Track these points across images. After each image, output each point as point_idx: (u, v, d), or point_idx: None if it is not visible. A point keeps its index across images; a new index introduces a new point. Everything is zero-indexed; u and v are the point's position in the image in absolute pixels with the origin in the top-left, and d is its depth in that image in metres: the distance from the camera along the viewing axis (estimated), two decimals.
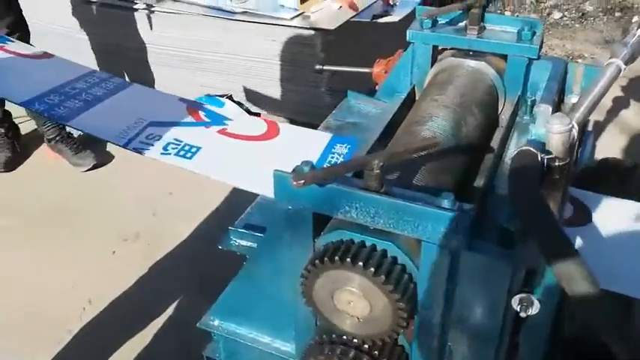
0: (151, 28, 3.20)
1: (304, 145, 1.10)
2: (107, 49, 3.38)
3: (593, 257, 0.66)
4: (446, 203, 0.71)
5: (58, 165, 2.90)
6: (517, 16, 4.67)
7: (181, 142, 1.05)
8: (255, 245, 1.02)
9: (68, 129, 2.91)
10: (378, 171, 0.74)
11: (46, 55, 1.33)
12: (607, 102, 3.18)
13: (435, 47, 1.28)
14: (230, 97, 3.43)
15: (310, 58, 2.87)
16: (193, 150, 1.03)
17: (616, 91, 3.27)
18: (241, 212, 2.40)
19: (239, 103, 3.43)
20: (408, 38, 1.27)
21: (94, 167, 2.88)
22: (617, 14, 4.63)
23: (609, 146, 2.90)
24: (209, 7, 3.01)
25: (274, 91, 3.11)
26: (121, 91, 1.21)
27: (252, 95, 3.17)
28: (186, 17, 3.06)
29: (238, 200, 2.48)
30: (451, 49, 1.28)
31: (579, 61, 3.95)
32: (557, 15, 4.65)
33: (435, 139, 0.80)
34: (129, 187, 2.73)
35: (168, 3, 3.12)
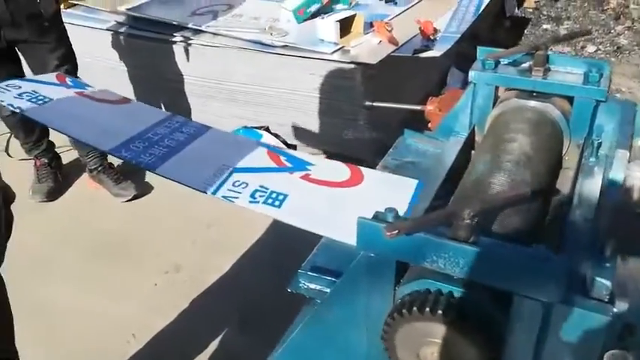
0: (188, 60, 3.24)
1: (391, 192, 1.08)
2: (145, 79, 3.43)
3: None
4: (540, 255, 0.70)
5: (99, 195, 2.93)
6: (551, 50, 4.66)
7: (267, 189, 1.03)
8: (326, 289, 1.01)
9: (110, 159, 2.95)
10: (468, 221, 0.72)
11: (125, 100, 1.34)
12: None
13: (496, 88, 1.27)
14: (267, 129, 3.46)
15: (350, 92, 2.89)
16: (281, 198, 1.01)
17: None
18: (279, 244, 2.39)
19: (276, 135, 3.45)
20: (470, 79, 1.26)
21: (135, 197, 2.91)
22: None
23: None
24: (249, 40, 3.05)
25: (312, 123, 3.12)
26: (202, 135, 1.20)
27: (289, 128, 3.18)
28: (225, 50, 3.10)
29: (276, 232, 2.50)
30: (512, 89, 1.27)
31: (617, 95, 3.91)
32: (591, 48, 4.62)
33: (527, 190, 0.79)
34: (169, 218, 2.75)
35: (207, 36, 3.17)
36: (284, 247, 2.36)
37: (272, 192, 1.02)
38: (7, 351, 1.18)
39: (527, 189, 0.80)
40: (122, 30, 3.31)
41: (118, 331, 2.14)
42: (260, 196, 1.01)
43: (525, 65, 1.24)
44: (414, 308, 0.73)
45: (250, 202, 1.01)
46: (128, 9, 3.37)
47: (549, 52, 1.22)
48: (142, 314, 2.21)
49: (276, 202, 1.00)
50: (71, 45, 2.68)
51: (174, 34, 3.18)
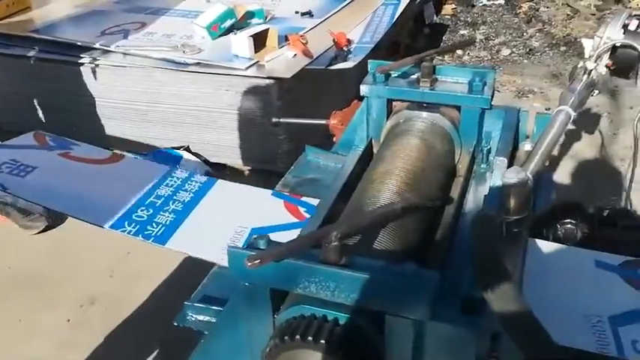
0: (95, 79, 3.12)
1: None
2: (55, 105, 3.29)
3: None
4: (408, 273, 0.69)
5: (7, 228, 2.76)
6: (468, 53, 4.79)
7: None
8: (214, 319, 0.97)
9: None
10: (336, 243, 0.71)
11: (115, 157, 1.22)
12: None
13: (389, 100, 1.27)
14: (187, 149, 3.37)
15: (266, 107, 2.86)
16: None
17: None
18: (199, 271, 2.32)
19: (196, 154, 3.36)
20: (361, 93, 1.26)
21: (46, 229, 2.77)
22: (563, 48, 4.79)
23: (565, 182, 2.96)
24: (161, 59, 2.98)
25: (232, 140, 3.07)
26: (208, 191, 1.10)
27: (210, 145, 3.13)
28: (135, 70, 3.02)
29: (196, 259, 2.42)
30: (404, 101, 1.28)
31: (530, 96, 4.04)
32: (505, 52, 4.77)
33: (394, 205, 0.78)
34: (85, 249, 2.62)
35: (117, 56, 3.07)
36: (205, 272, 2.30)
37: None
38: None
39: (398, 204, 0.79)
40: (28, 54, 3.17)
41: None
42: None
43: (414, 77, 1.25)
44: (286, 337, 0.70)
45: None
46: (32, 30, 3.23)
47: (438, 63, 1.23)
48: (54, 353, 2.09)
49: None
50: None
51: (82, 56, 3.07)
